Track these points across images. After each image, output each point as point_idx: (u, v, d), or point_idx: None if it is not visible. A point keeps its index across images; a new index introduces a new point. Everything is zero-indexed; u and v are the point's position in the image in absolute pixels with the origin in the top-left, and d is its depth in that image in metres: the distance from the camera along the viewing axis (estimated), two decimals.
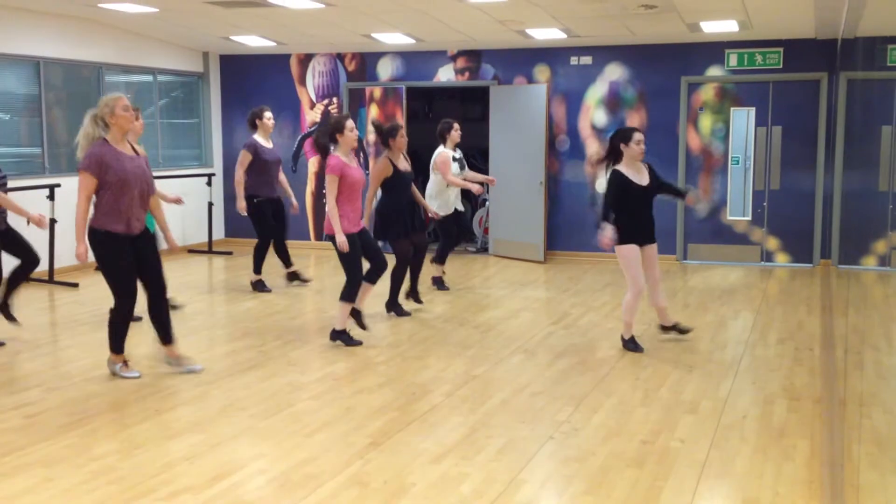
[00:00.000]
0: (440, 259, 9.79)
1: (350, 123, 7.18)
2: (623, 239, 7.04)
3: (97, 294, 9.59)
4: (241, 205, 9.44)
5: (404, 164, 8.25)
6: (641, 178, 7.10)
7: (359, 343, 7.32)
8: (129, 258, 6.15)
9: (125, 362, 6.42)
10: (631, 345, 7.23)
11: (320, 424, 5.37)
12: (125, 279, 6.18)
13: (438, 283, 9.84)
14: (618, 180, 7.03)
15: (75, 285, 9.96)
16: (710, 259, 11.89)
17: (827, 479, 4.55)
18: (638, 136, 7.06)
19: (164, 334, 6.49)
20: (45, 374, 6.55)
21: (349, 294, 7.25)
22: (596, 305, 9.04)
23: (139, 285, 6.30)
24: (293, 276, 10.06)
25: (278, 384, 6.24)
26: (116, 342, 6.35)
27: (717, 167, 11.86)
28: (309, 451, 4.93)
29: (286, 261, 9.95)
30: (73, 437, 5.12)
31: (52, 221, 9.78)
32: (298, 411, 5.64)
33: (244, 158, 9.42)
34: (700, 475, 4.60)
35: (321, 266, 11.82)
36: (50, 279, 10.05)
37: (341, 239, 7.05)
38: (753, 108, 11.70)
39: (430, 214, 9.02)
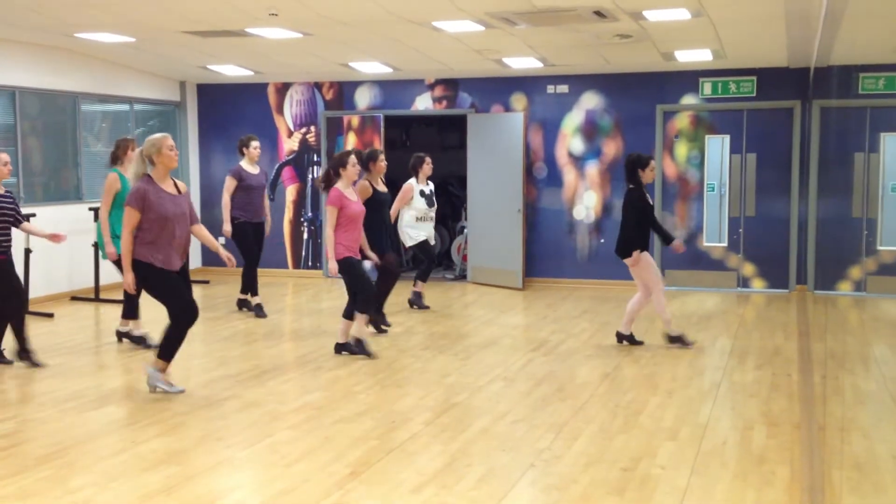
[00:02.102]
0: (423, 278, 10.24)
1: (353, 159, 7.75)
2: (642, 247, 8.04)
3: (72, 324, 9.50)
4: (227, 228, 9.69)
5: (382, 186, 8.78)
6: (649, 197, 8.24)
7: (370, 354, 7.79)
8: (176, 279, 6.46)
9: (166, 372, 6.62)
10: (679, 342, 8.21)
11: (299, 454, 5.32)
12: (176, 297, 6.46)
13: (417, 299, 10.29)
14: (643, 198, 8.08)
15: (50, 315, 9.85)
16: (687, 285, 11.95)
17: None
18: (653, 162, 8.16)
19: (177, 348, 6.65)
20: (19, 406, 6.47)
21: (365, 306, 7.76)
22: (575, 332, 9.05)
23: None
24: (243, 304, 10.10)
25: (256, 414, 6.18)
26: (167, 351, 6.57)
27: (692, 194, 11.95)
28: (288, 481, 4.88)
29: (251, 288, 9.97)
30: (49, 470, 5.05)
31: (27, 252, 9.68)
32: (277, 441, 5.59)
33: (230, 184, 9.71)
34: (681, 502, 4.59)
35: (299, 294, 11.77)
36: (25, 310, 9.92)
37: (332, 265, 7.63)
38: (728, 136, 11.82)
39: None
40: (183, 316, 6.50)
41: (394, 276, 8.85)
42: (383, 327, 8.83)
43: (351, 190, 7.78)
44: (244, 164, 9.79)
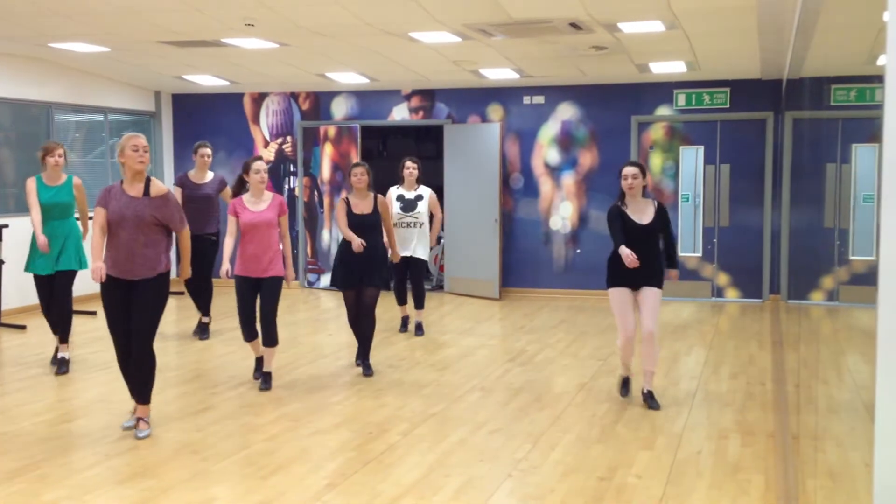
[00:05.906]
0: (399, 300, 9.60)
1: (255, 166, 7.04)
2: (609, 281, 6.61)
3: (45, 337, 9.39)
4: None
5: (362, 207, 7.58)
6: (642, 216, 6.52)
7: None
8: (114, 300, 5.86)
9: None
10: (620, 388, 6.86)
11: (276, 466, 5.29)
12: (108, 319, 5.91)
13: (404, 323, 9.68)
14: (612, 213, 6.52)
15: (23, 327, 9.75)
16: (663, 295, 11.96)
17: None
18: (626, 170, 6.54)
19: (131, 388, 6.06)
20: None
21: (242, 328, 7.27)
22: (551, 342, 9.07)
23: None
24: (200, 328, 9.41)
25: (232, 426, 6.15)
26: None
27: (667, 204, 12.00)
28: (264, 493, 4.86)
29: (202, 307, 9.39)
30: (22, 483, 4.99)
31: (0, 262, 9.58)
32: (253, 453, 5.56)
33: (175, 193, 9.07)
34: None
35: None
36: None
37: (225, 267, 6.99)
38: (702, 147, 11.91)
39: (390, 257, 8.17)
40: (113, 340, 5.96)
41: (369, 312, 7.66)
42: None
43: (259, 199, 7.02)
44: (192, 172, 9.21)
